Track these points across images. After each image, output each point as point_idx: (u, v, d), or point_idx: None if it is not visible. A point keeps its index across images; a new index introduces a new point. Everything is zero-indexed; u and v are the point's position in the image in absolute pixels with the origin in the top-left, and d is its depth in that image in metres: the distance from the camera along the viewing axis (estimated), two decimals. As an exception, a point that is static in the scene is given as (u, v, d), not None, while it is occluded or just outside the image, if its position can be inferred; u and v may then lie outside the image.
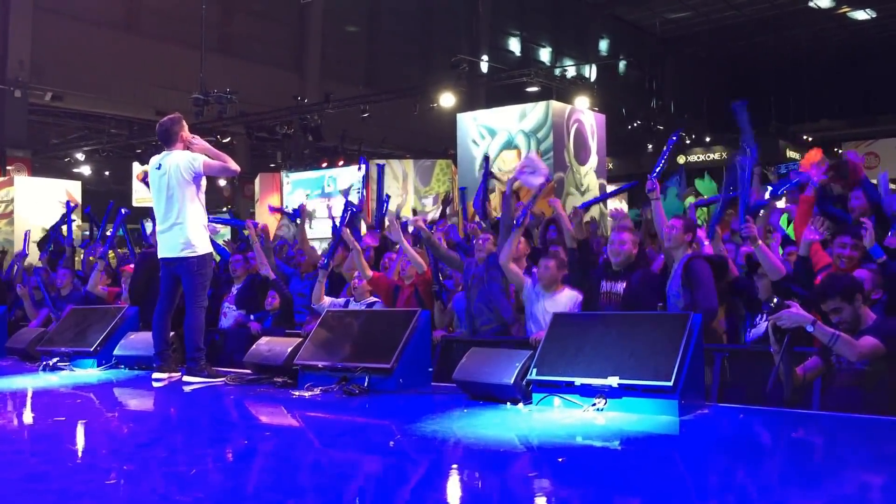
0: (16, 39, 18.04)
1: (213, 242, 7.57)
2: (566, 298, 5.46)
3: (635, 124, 26.19)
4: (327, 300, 6.44)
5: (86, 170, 21.38)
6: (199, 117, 15.52)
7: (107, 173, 22.88)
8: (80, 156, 21.08)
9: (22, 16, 17.96)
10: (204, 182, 5.58)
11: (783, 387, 3.79)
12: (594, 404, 3.95)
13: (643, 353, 3.97)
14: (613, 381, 3.91)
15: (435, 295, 6.15)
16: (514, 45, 27.95)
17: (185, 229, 5.41)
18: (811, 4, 26.72)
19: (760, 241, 4.81)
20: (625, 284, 5.12)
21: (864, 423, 3.82)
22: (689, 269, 4.89)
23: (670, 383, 3.78)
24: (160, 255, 5.59)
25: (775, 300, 4.06)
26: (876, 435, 3.70)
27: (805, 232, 4.98)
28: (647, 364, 3.90)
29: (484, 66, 22.70)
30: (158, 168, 5.52)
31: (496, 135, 15.25)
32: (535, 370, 4.19)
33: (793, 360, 3.96)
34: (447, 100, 17.25)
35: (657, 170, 5.87)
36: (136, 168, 21.28)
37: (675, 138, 6.31)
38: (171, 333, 5.71)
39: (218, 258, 7.86)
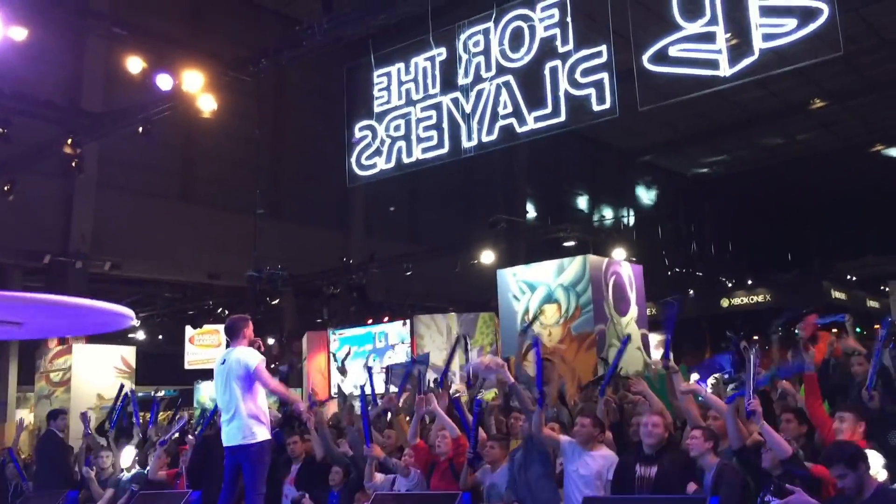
0: (79, 214, 19.16)
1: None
2: (603, 457, 5.61)
3: (675, 270, 26.42)
4: (379, 478, 6.64)
5: (140, 334, 22.08)
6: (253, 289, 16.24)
7: (160, 336, 23.58)
8: (135, 322, 21.81)
9: (85, 193, 19.14)
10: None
11: None
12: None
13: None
14: (641, 568, 4.01)
15: (469, 462, 6.26)
16: (552, 196, 28.76)
17: (244, 419, 5.83)
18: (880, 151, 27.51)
19: (763, 421, 4.96)
20: (656, 468, 5.24)
21: None
22: (721, 477, 5.05)
23: (693, 570, 3.88)
24: (224, 443, 5.94)
25: (774, 483, 4.20)
26: None
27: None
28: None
29: (522, 220, 23.40)
30: (223, 363, 5.99)
31: (536, 289, 15.59)
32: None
33: None
34: (487, 257, 17.76)
35: (667, 351, 6.23)
36: (189, 331, 22.01)
37: (674, 310, 6.52)
38: None
39: None
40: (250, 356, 5.95)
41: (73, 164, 12.88)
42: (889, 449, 5.11)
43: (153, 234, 19.88)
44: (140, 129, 12.22)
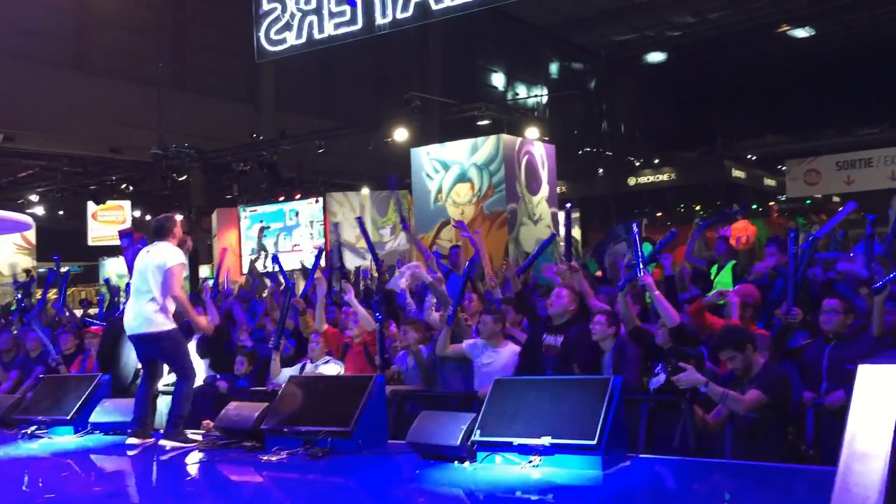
0: (-36, 83, 17.98)
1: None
2: (508, 352, 5.82)
3: (585, 150, 26.77)
4: (284, 372, 6.67)
5: (39, 210, 21.28)
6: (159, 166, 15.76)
7: (61, 212, 22.78)
8: (33, 196, 20.98)
9: (-30, 59, 17.90)
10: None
11: (690, 438, 4.25)
12: (530, 461, 4.38)
13: (571, 414, 4.41)
14: (546, 440, 4.34)
15: (380, 367, 6.31)
16: (466, 72, 28.36)
17: (151, 308, 5.75)
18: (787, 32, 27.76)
19: (657, 291, 5.22)
20: (563, 338, 5.46)
21: (763, 470, 4.26)
22: (621, 352, 5.35)
23: (594, 442, 4.22)
24: (128, 331, 5.90)
25: (669, 361, 4.53)
26: (771, 482, 4.14)
27: None
28: (575, 424, 4.34)
29: (436, 98, 23.07)
30: (147, 252, 5.92)
31: (449, 168, 15.63)
32: (478, 431, 4.58)
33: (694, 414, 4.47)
34: (401, 134, 17.59)
35: (641, 265, 5.48)
36: (91, 207, 21.32)
37: (636, 230, 5.93)
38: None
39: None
40: (171, 254, 5.83)
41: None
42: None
43: (47, 104, 18.85)
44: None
